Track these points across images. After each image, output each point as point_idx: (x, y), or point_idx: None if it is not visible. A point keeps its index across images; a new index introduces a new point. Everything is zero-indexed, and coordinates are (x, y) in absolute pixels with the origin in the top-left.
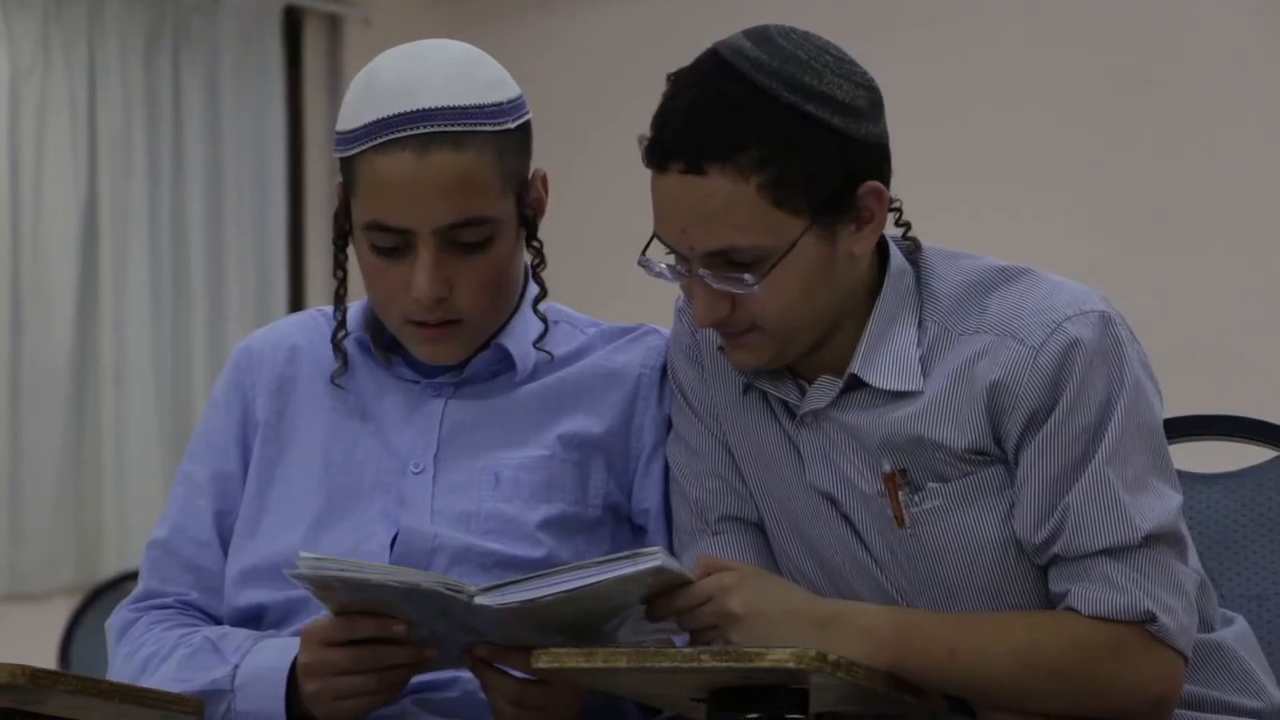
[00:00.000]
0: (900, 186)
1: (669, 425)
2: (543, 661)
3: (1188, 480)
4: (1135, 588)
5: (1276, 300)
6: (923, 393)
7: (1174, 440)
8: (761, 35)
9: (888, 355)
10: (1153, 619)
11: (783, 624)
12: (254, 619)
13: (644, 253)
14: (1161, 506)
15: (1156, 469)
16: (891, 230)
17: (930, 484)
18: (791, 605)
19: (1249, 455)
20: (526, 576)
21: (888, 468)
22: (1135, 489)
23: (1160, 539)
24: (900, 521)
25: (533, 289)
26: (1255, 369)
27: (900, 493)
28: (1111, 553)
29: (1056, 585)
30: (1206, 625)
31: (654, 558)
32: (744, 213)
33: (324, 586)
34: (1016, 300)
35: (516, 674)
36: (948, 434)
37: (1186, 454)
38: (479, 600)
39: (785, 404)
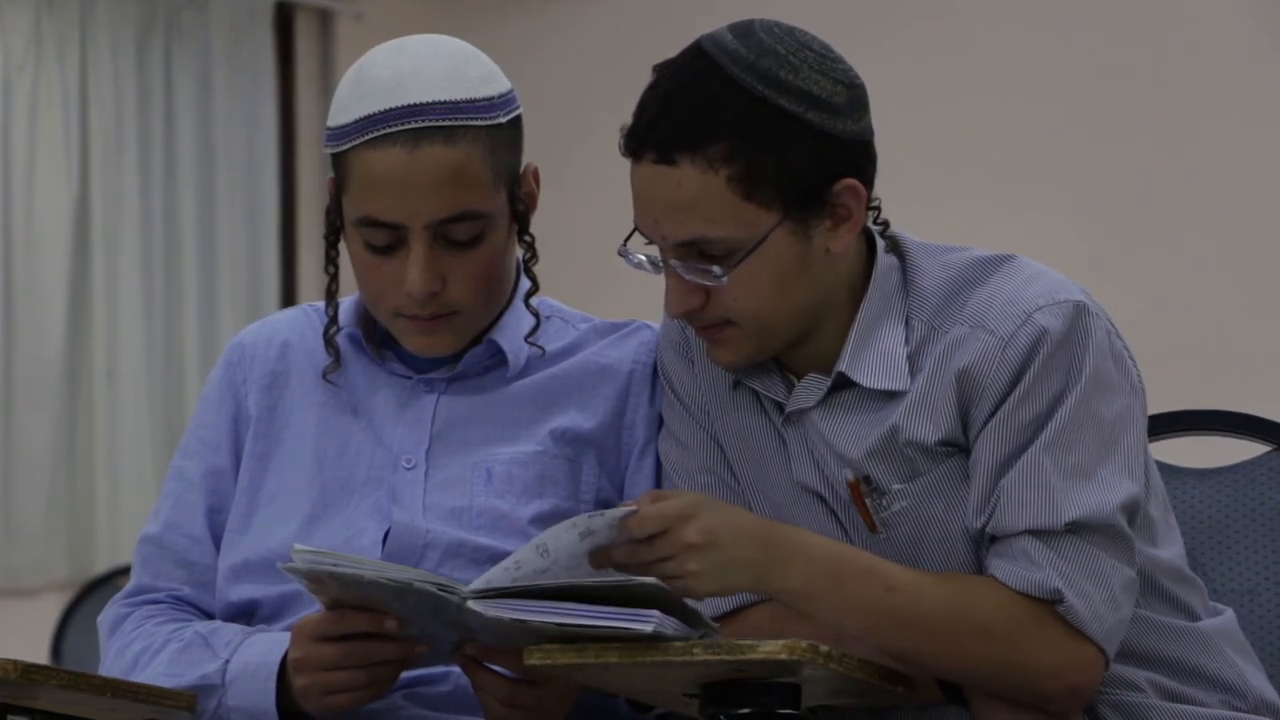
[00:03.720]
0: (894, 181)
1: (660, 421)
2: (535, 658)
3: (1180, 475)
4: (1050, 567)
5: (1270, 296)
6: (909, 392)
7: (1167, 435)
8: (744, 29)
9: (875, 354)
10: (1060, 599)
11: (734, 547)
12: (246, 614)
13: (625, 243)
14: (1099, 498)
15: (1109, 461)
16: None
17: (895, 486)
18: (742, 526)
19: (1242, 450)
20: (523, 587)
21: (850, 476)
22: (1073, 477)
23: (1090, 529)
24: (872, 528)
25: (525, 284)
26: (1248, 364)
27: (867, 500)
28: (1034, 534)
29: (986, 561)
30: (1191, 615)
31: (649, 622)
32: (713, 204)
33: (316, 580)
34: (993, 291)
35: (507, 673)
36: (924, 429)
37: (1179, 449)
38: (471, 605)
39: (774, 400)
